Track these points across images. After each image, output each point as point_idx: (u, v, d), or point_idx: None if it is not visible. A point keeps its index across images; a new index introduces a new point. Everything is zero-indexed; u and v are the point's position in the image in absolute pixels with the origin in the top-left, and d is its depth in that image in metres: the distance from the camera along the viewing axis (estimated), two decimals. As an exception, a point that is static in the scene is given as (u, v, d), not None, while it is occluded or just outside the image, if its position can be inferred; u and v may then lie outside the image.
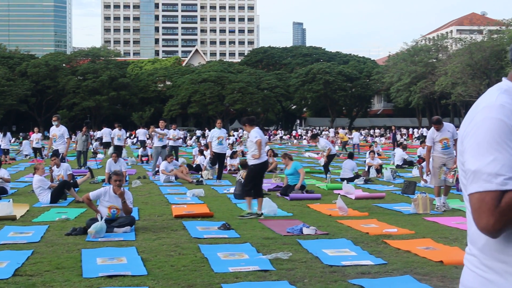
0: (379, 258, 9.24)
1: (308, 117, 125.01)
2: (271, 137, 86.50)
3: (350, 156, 24.59)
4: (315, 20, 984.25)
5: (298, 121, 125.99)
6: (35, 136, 37.40)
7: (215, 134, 22.96)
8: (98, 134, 55.99)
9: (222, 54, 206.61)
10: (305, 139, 78.12)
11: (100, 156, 37.66)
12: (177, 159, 26.66)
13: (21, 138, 70.04)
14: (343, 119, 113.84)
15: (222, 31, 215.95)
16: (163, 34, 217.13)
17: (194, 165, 27.32)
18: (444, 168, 15.02)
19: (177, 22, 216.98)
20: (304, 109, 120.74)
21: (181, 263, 8.91)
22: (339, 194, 17.18)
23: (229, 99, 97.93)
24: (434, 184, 15.25)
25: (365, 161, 27.75)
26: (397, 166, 29.08)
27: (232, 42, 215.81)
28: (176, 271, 8.46)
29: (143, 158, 34.10)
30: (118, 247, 10.20)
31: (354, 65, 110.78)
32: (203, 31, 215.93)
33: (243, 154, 37.55)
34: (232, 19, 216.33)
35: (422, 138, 66.43)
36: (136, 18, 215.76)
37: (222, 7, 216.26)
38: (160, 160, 25.37)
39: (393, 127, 61.54)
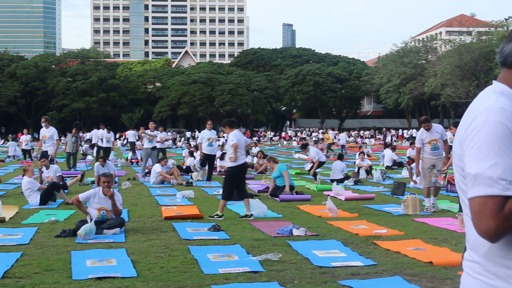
0: (368, 259, 9.26)
1: (298, 119, 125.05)
2: (261, 138, 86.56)
3: (340, 157, 24.61)
4: (305, 22, 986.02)
5: (288, 123, 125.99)
6: (24, 138, 37.30)
7: (205, 136, 22.97)
8: (87, 135, 55.91)
9: (212, 55, 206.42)
10: (294, 140, 78.24)
11: (89, 157, 37.56)
12: (158, 160, 26.64)
13: (10, 139, 69.80)
14: (333, 120, 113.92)
15: (212, 32, 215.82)
16: (152, 35, 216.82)
17: (184, 167, 27.29)
18: (434, 170, 15.08)
19: (167, 24, 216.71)
20: (294, 111, 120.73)
21: (171, 265, 8.90)
22: (329, 195, 17.18)
23: (219, 101, 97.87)
24: (423, 185, 15.29)
25: (355, 162, 27.80)
26: (387, 167, 29.13)
27: (222, 44, 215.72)
28: (166, 272, 8.45)
29: (133, 160, 34.05)
30: (107, 248, 10.18)
31: (344, 67, 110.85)
32: (193, 32, 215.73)
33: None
34: (222, 21, 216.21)
35: (412, 139, 66.59)
36: (126, 20, 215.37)
37: (212, 9, 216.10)
38: (150, 161, 25.34)
39: (384, 129, 61.69)
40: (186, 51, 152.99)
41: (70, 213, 14.49)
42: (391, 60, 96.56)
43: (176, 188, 20.54)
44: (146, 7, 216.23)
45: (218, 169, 26.49)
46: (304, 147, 24.47)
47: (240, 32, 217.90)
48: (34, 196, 16.21)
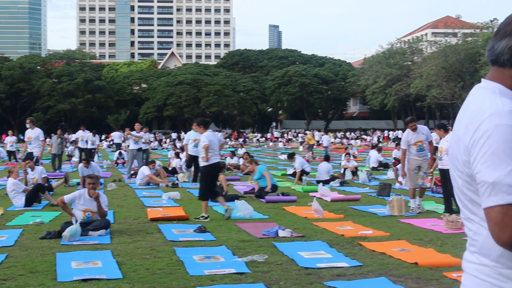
0: (354, 260, 9.28)
1: (284, 120, 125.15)
2: (247, 139, 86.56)
3: (326, 158, 24.67)
4: (291, 23, 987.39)
5: (274, 124, 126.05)
6: (9, 139, 37.12)
7: (191, 137, 22.95)
8: (73, 137, 55.72)
9: (198, 56, 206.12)
10: (280, 141, 78.25)
11: (75, 159, 37.42)
12: (147, 163, 26.59)
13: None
14: (319, 121, 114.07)
15: (198, 33, 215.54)
16: (138, 36, 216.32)
17: (169, 168, 27.25)
18: (421, 173, 15.16)
19: (153, 25, 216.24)
20: (280, 112, 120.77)
21: (157, 266, 8.88)
22: (314, 196, 17.23)
23: (205, 102, 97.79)
24: (409, 186, 15.35)
25: (340, 163, 27.85)
26: (373, 168, 29.18)
27: (208, 45, 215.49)
28: (151, 274, 8.44)
29: (119, 162, 33.97)
30: (93, 250, 10.15)
31: (330, 68, 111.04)
32: (179, 33, 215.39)
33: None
34: (208, 22, 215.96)
35: (397, 141, 66.73)
36: (112, 21, 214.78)
37: (198, 10, 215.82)
38: (136, 163, 25.28)
39: (371, 130, 61.86)
40: (172, 52, 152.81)
41: (55, 214, 14.42)
42: (377, 61, 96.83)
43: (161, 190, 20.51)
44: (132, 8, 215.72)
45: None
46: (291, 157, 24.55)
47: (226, 34, 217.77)
48: (19, 197, 16.14)
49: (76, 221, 11.29)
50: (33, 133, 22.63)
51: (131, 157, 25.28)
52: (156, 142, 67.87)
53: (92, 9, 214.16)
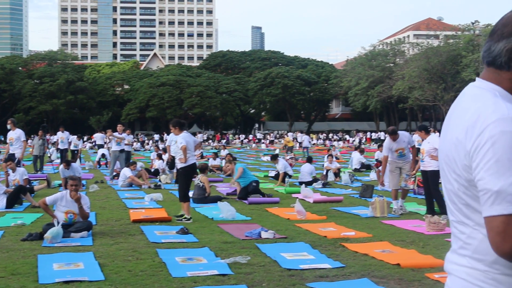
0: (337, 261, 9.29)
1: (266, 121, 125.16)
2: (230, 141, 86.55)
3: (309, 160, 24.71)
4: (273, 24, 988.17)
5: (256, 125, 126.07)
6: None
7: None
8: (54, 138, 55.46)
9: (181, 58, 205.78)
10: (263, 143, 78.30)
11: (57, 161, 37.25)
12: (128, 165, 26.53)
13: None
14: (302, 123, 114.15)
15: (181, 35, 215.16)
16: (121, 37, 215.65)
17: (152, 170, 27.20)
18: (403, 175, 15.25)
19: (135, 26, 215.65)
20: (263, 113, 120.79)
21: (139, 268, 8.86)
22: (297, 197, 17.24)
23: (187, 103, 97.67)
24: (391, 187, 15.42)
25: (323, 165, 27.89)
26: (355, 169, 29.26)
27: (190, 46, 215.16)
28: (133, 276, 8.41)
29: (101, 163, 33.87)
30: (75, 252, 10.11)
31: (313, 69, 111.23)
32: (161, 34, 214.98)
33: (202, 157, 37.50)
34: (190, 23, 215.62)
35: (380, 142, 66.95)
36: (94, 22, 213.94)
37: (181, 11, 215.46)
38: (118, 164, 25.20)
39: (354, 131, 62.00)
40: (155, 54, 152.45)
41: (37, 216, 14.35)
42: (360, 63, 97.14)
43: (144, 191, 20.47)
44: (115, 9, 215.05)
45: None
46: (274, 158, 24.59)
47: (209, 35, 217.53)
48: (0, 199, 16.04)
49: (58, 222, 11.24)
50: (14, 134, 22.49)
51: (114, 159, 25.20)
52: (139, 144, 67.72)
53: (74, 10, 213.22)
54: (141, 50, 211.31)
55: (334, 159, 27.51)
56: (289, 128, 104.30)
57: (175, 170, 23.35)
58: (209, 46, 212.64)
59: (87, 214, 11.86)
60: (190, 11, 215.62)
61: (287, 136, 63.99)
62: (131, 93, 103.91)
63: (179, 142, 14.26)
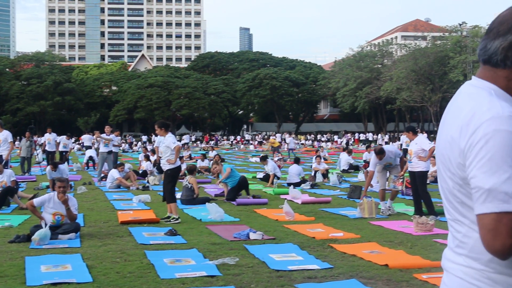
0: (325, 262, 9.30)
1: (255, 122, 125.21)
2: (218, 142, 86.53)
3: (297, 161, 24.71)
4: (262, 26, 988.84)
5: (245, 126, 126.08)
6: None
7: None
8: (41, 140, 55.22)
9: (169, 59, 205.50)
10: (251, 144, 78.28)
11: (44, 162, 37.10)
12: (115, 166, 26.48)
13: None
14: (290, 124, 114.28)
15: (169, 36, 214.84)
16: (109, 38, 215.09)
17: (140, 171, 27.15)
18: (392, 176, 15.31)
19: (123, 27, 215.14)
20: (251, 114, 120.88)
21: (127, 270, 8.84)
22: (285, 199, 17.27)
23: (175, 104, 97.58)
24: (381, 186, 15.49)
25: (311, 166, 27.90)
26: (343, 170, 29.31)
27: (178, 47, 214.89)
28: (121, 277, 8.39)
29: (89, 164, 33.77)
30: (62, 254, 10.07)
31: (301, 71, 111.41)
32: (149, 36, 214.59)
33: (191, 158, 37.46)
34: (178, 24, 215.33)
35: (368, 143, 67.18)
36: (82, 23, 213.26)
37: (169, 12, 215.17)
38: (106, 166, 25.14)
39: (343, 132, 62.07)
40: (143, 55, 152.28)
41: (24, 218, 14.30)
42: (348, 64, 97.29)
43: (132, 193, 20.43)
44: (102, 10, 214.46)
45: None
46: (264, 159, 24.60)
47: (197, 36, 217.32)
48: (-13, 201, 15.96)
49: (46, 224, 11.19)
50: (2, 136, 22.40)
51: (102, 160, 25.13)
52: (127, 145, 67.56)
53: (61, 11, 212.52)
54: (129, 51, 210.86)
55: (322, 160, 27.52)
56: (278, 129, 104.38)
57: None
58: (197, 47, 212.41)
59: (74, 215, 11.82)
60: (178, 12, 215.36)
61: (273, 137, 63.97)
62: (119, 94, 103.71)
63: (172, 142, 14.23)
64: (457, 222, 2.37)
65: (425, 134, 42.52)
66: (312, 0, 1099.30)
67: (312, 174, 25.33)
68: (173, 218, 13.74)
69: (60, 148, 31.51)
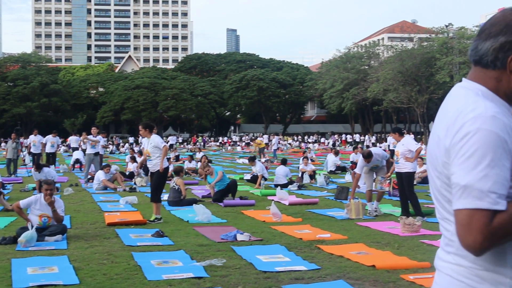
0: (312, 263, 9.31)
1: (242, 124, 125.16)
2: (205, 143, 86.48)
3: (283, 162, 24.73)
4: (249, 27, 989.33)
5: (232, 128, 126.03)
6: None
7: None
8: (27, 142, 54.97)
9: (156, 60, 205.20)
10: (239, 145, 78.28)
11: (30, 164, 36.95)
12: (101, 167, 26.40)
13: None
14: (277, 125, 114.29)
15: (156, 37, 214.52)
16: (95, 40, 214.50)
17: (127, 173, 27.08)
18: (379, 177, 15.36)
19: (110, 28, 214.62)
20: (238, 116, 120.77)
21: (114, 272, 8.82)
22: (272, 200, 17.28)
23: (162, 106, 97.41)
24: (368, 187, 15.53)
25: (298, 167, 27.92)
26: (330, 171, 29.34)
27: (165, 49, 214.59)
28: (108, 279, 8.37)
29: (76, 166, 33.67)
30: (49, 256, 10.04)
31: (288, 72, 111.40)
32: (136, 37, 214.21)
33: (178, 159, 37.41)
34: (165, 26, 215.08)
35: (355, 144, 67.27)
36: (68, 24, 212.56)
37: (156, 14, 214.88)
38: (93, 167, 25.07)
39: (330, 133, 62.10)
40: (130, 56, 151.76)
41: (11, 220, 14.24)
42: (334, 65, 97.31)
43: (119, 194, 20.38)
44: (89, 11, 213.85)
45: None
46: (252, 160, 24.62)
47: (184, 37, 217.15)
48: (-27, 203, 15.90)
49: (32, 226, 11.15)
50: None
51: (88, 162, 25.06)
52: (114, 147, 67.39)
53: (48, 12, 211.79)
54: (115, 52, 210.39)
55: (309, 161, 27.54)
56: (265, 130, 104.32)
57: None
58: (184, 49, 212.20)
59: (61, 217, 11.78)
60: (165, 14, 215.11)
61: (260, 138, 63.99)
62: (106, 95, 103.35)
63: (160, 142, 14.23)
64: (445, 220, 2.41)
65: (412, 135, 42.60)
66: (299, 1, 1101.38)
67: (299, 175, 25.34)
68: (156, 218, 13.77)
69: (48, 149, 31.30)
